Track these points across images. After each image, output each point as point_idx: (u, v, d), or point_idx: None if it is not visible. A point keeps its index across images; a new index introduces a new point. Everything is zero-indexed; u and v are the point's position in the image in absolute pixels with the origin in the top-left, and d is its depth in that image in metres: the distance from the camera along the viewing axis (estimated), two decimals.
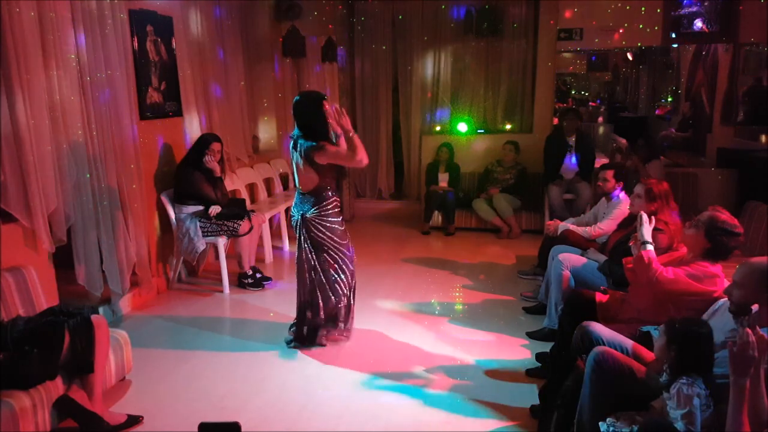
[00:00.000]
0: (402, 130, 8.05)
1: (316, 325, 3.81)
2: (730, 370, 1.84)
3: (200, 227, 4.75)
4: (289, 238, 6.25)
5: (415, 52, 7.64)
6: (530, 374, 3.44)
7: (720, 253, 2.72)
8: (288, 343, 3.87)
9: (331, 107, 3.52)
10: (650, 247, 2.88)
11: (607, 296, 3.18)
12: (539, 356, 3.60)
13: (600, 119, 10.69)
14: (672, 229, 3.28)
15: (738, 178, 6.09)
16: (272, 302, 4.72)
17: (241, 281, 5.02)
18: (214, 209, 4.78)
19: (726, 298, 2.40)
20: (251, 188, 6.36)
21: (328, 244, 3.68)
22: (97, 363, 2.83)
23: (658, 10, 6.51)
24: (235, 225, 4.82)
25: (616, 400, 2.35)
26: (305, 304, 3.79)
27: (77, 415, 2.79)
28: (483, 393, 3.26)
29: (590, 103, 12.25)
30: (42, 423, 2.65)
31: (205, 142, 4.81)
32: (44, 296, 3.29)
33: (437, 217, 6.83)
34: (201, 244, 4.76)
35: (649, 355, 2.52)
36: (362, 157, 3.43)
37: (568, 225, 4.61)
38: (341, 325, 3.88)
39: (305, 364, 3.65)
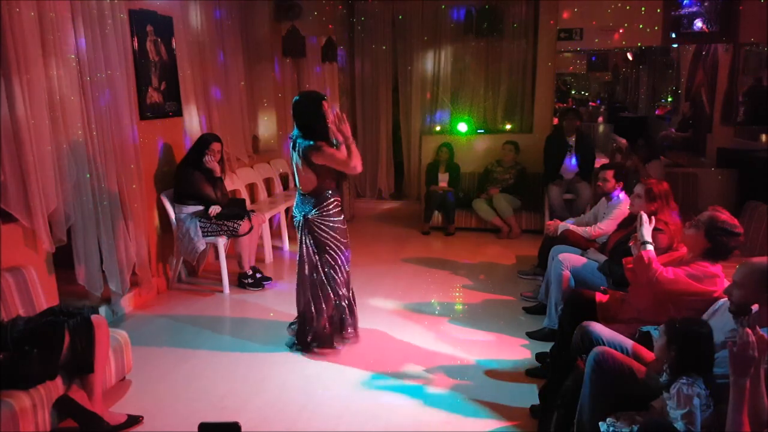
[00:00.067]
0: (402, 130, 8.06)
1: (320, 329, 3.79)
2: (730, 370, 1.84)
3: (200, 227, 4.75)
4: (289, 238, 6.25)
5: (415, 52, 7.64)
6: (530, 374, 3.44)
7: (720, 253, 2.72)
8: (290, 346, 3.85)
9: (332, 113, 3.54)
10: (650, 247, 2.88)
11: (607, 296, 3.18)
12: (539, 356, 3.60)
13: (600, 119, 10.70)
14: (672, 229, 3.28)
15: (738, 178, 6.09)
16: (272, 302, 4.72)
17: (241, 281, 5.03)
18: (214, 209, 4.78)
19: (726, 298, 2.40)
20: (251, 188, 6.36)
21: (330, 244, 3.69)
22: (97, 363, 2.83)
23: (658, 10, 6.51)
24: (235, 225, 4.82)
25: (616, 400, 2.35)
26: (307, 305, 3.77)
27: (77, 415, 2.79)
28: (483, 393, 3.26)
29: (590, 103, 12.26)
30: (42, 423, 2.65)
31: (205, 142, 4.81)
32: (44, 296, 3.29)
33: (437, 217, 6.83)
34: (201, 244, 4.76)
35: (649, 355, 2.52)
36: (356, 164, 3.49)
37: (568, 225, 4.61)
38: (349, 329, 3.88)
39: (305, 364, 3.65)
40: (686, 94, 8.60)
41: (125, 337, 3.30)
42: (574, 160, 6.35)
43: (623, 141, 7.71)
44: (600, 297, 3.18)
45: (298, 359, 3.71)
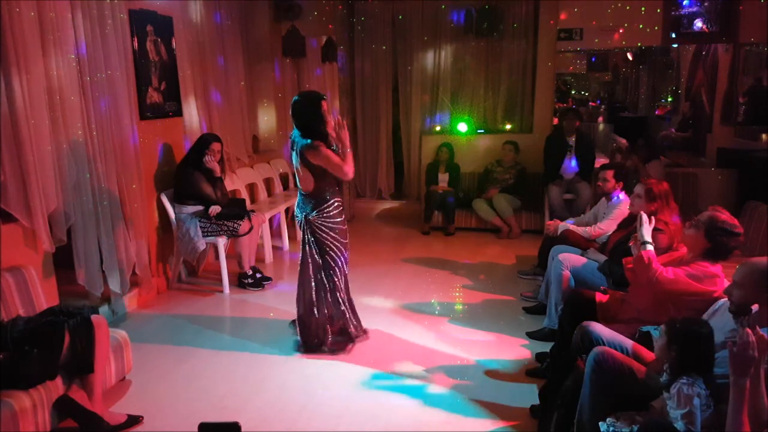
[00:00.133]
0: (402, 130, 8.06)
1: (321, 329, 3.79)
2: (730, 370, 1.84)
3: (200, 227, 4.75)
4: (289, 238, 6.25)
5: (415, 52, 7.64)
6: (530, 374, 3.44)
7: (720, 253, 2.72)
8: (298, 347, 3.83)
9: (332, 119, 3.58)
10: (650, 247, 2.88)
11: (607, 296, 3.18)
12: (539, 356, 3.60)
13: (600, 119, 10.71)
14: (672, 229, 3.28)
15: (738, 178, 6.09)
16: (272, 302, 4.72)
17: (241, 281, 5.03)
18: (214, 209, 4.78)
19: (726, 298, 2.40)
20: (251, 188, 6.36)
21: (331, 245, 3.69)
22: (97, 363, 2.83)
23: (658, 10, 6.51)
24: (235, 225, 4.83)
25: (616, 400, 2.35)
26: (308, 305, 3.77)
27: (77, 415, 2.79)
28: (483, 393, 3.26)
29: (590, 103, 12.27)
30: (42, 423, 2.65)
31: (205, 142, 4.81)
32: (44, 296, 3.29)
33: (437, 217, 6.83)
34: (201, 244, 4.76)
35: (649, 355, 2.52)
36: (349, 171, 3.53)
37: (568, 225, 4.61)
38: (353, 329, 3.87)
39: (305, 364, 3.65)
40: (686, 94, 8.60)
41: (125, 337, 3.30)
42: (574, 162, 6.35)
43: (623, 141, 7.72)
44: (600, 297, 3.18)
45: (298, 359, 3.71)
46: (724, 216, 2.70)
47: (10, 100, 3.23)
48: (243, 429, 2.04)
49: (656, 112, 10.23)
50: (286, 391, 3.33)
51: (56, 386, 2.75)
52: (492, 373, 3.50)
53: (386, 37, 7.72)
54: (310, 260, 3.72)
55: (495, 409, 3.10)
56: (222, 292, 4.91)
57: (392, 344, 3.90)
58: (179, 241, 4.80)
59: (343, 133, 3.55)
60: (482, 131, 7.51)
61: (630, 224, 3.67)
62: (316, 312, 3.76)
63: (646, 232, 2.92)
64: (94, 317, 2.89)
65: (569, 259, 3.99)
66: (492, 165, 6.89)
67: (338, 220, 3.69)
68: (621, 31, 6.64)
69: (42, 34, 3.44)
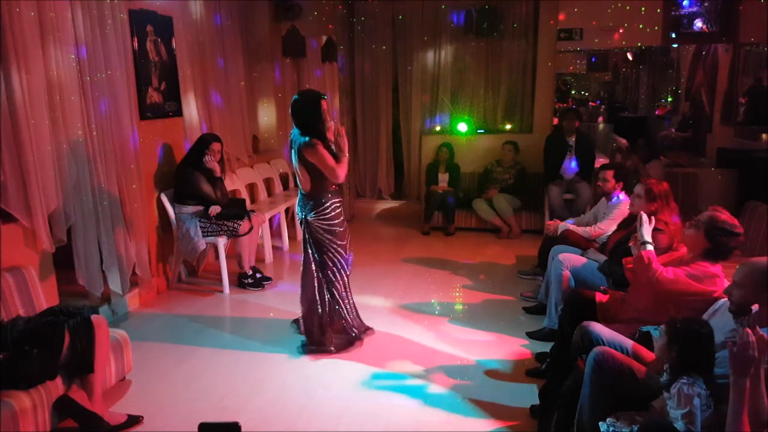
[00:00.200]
0: (402, 130, 8.05)
1: (322, 329, 3.79)
2: (730, 370, 1.84)
3: (200, 227, 4.75)
4: (289, 238, 6.25)
5: (415, 52, 7.64)
6: (530, 374, 3.44)
7: (720, 253, 2.72)
8: (303, 347, 3.83)
9: (332, 126, 3.63)
10: (650, 247, 2.88)
11: (607, 296, 3.18)
12: (539, 356, 3.61)
13: (600, 119, 10.71)
14: (672, 229, 3.28)
15: (738, 178, 6.09)
16: (272, 302, 4.72)
17: (241, 281, 5.03)
18: (214, 209, 4.78)
19: (726, 298, 2.40)
20: (251, 188, 6.36)
21: (330, 246, 3.70)
22: (97, 363, 2.83)
23: (658, 10, 6.50)
24: (235, 225, 4.83)
25: (616, 400, 2.35)
26: (311, 304, 3.78)
27: (77, 415, 2.79)
28: (483, 393, 3.26)
29: (590, 103, 12.27)
30: (42, 423, 2.65)
31: (205, 142, 4.81)
32: (44, 296, 3.30)
33: (437, 217, 6.83)
34: (201, 244, 4.76)
35: (649, 355, 2.52)
36: (340, 174, 3.57)
37: (568, 225, 4.61)
38: (355, 331, 3.88)
39: (305, 364, 3.65)
40: (686, 94, 8.60)
41: (125, 337, 3.30)
42: (573, 164, 6.35)
43: (623, 141, 7.72)
44: (600, 297, 3.18)
45: (298, 359, 3.71)
46: (724, 216, 2.70)
47: (11, 99, 3.24)
48: (243, 429, 2.04)
49: (656, 112, 10.22)
50: (286, 391, 3.33)
51: (56, 386, 2.75)
52: (492, 373, 3.50)
53: (386, 37, 7.71)
54: (311, 260, 3.74)
55: (495, 409, 3.10)
56: (222, 292, 4.91)
57: (392, 344, 3.90)
58: (179, 241, 4.80)
59: (342, 140, 3.61)
60: (482, 131, 7.51)
61: (630, 224, 3.67)
62: (318, 311, 3.77)
63: (646, 232, 2.92)
64: (94, 317, 2.89)
65: (569, 259, 3.99)
66: (492, 165, 6.89)
67: (336, 221, 3.68)
68: (621, 31, 6.63)
69: (42, 34, 3.44)
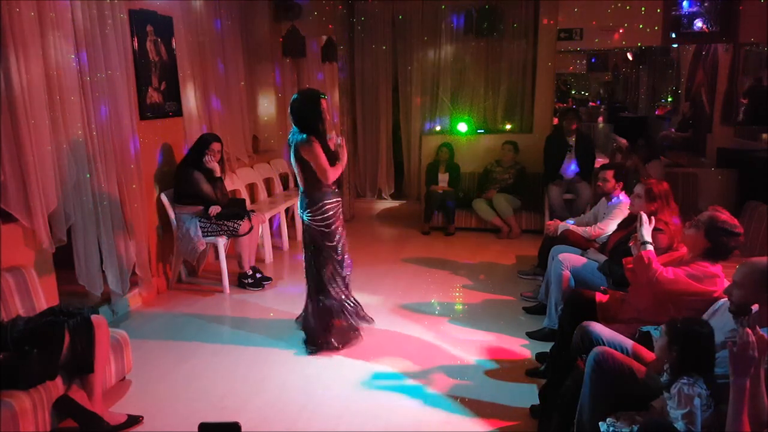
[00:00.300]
0: (402, 130, 8.06)
1: (320, 328, 3.81)
2: (730, 370, 1.84)
3: (200, 227, 4.75)
4: (289, 238, 6.25)
5: (415, 52, 7.64)
6: (530, 374, 3.44)
7: (720, 253, 2.72)
8: (306, 347, 3.84)
9: (334, 138, 3.69)
10: (650, 247, 2.88)
11: (607, 296, 3.18)
12: (539, 356, 3.60)
13: (600, 119, 10.71)
14: (672, 229, 3.28)
15: (738, 178, 6.09)
16: (272, 302, 4.72)
17: (241, 281, 5.03)
18: (214, 209, 4.78)
19: (726, 298, 2.40)
20: (251, 188, 6.36)
21: (325, 247, 3.72)
22: (97, 363, 2.83)
23: (658, 10, 6.50)
24: (235, 225, 4.82)
25: (616, 400, 2.35)
26: (311, 303, 3.81)
27: (77, 415, 2.79)
28: (483, 393, 3.26)
29: (590, 103, 12.27)
30: (42, 423, 2.65)
31: (205, 142, 4.81)
32: (44, 296, 3.30)
33: (437, 217, 6.83)
34: (201, 244, 4.76)
35: (649, 355, 2.52)
36: (331, 176, 3.60)
37: (568, 225, 4.61)
38: (352, 329, 3.89)
39: (305, 364, 3.65)
40: (686, 94, 8.60)
41: (125, 337, 3.30)
42: (573, 166, 6.34)
43: (623, 141, 7.71)
44: (600, 297, 3.18)
45: (298, 359, 3.71)
46: (724, 216, 2.70)
47: (10, 99, 3.23)
48: (243, 429, 2.04)
49: (656, 112, 10.22)
50: (286, 391, 3.33)
51: (56, 386, 2.75)
52: (492, 373, 3.50)
53: (386, 37, 7.72)
54: (311, 258, 3.76)
55: (495, 409, 3.10)
56: (222, 292, 4.91)
57: (392, 344, 3.90)
58: (179, 241, 4.80)
59: (342, 151, 3.68)
60: (482, 131, 7.51)
61: (630, 224, 3.67)
62: (317, 310, 3.78)
63: (646, 232, 2.92)
64: (94, 317, 2.89)
65: (569, 259, 3.99)
66: (491, 165, 6.89)
67: (328, 221, 3.68)
68: (621, 31, 6.63)
69: (42, 34, 3.44)
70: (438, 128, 7.72)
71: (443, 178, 6.92)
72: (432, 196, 6.76)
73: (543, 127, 7.10)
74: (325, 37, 7.49)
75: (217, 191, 4.83)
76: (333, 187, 3.71)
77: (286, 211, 6.44)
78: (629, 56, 10.70)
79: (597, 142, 8.56)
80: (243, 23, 6.21)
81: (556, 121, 7.22)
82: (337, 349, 3.77)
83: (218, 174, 4.84)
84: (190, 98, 5.19)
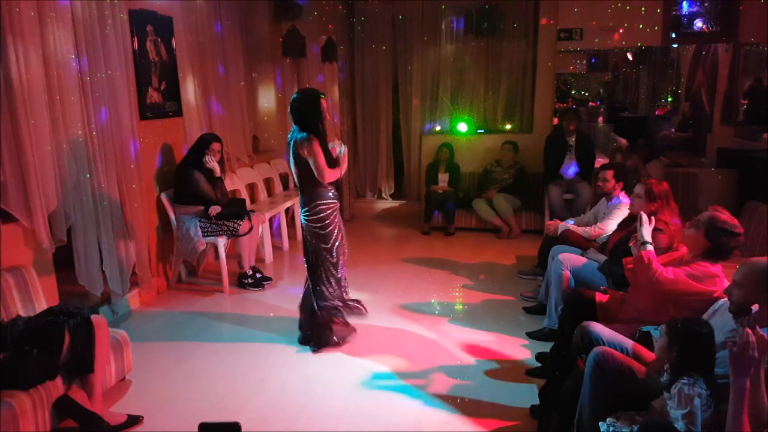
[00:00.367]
0: (402, 130, 8.06)
1: (325, 325, 3.83)
2: (730, 370, 1.84)
3: (200, 227, 4.75)
4: (289, 238, 6.25)
5: (415, 52, 7.64)
6: (530, 374, 3.44)
7: (720, 253, 2.72)
8: (305, 343, 3.87)
9: (338, 146, 3.72)
10: (650, 247, 2.88)
11: (607, 296, 3.18)
12: (539, 356, 3.60)
13: (600, 119, 10.70)
14: (672, 229, 3.28)
15: (738, 178, 6.09)
16: (272, 302, 4.72)
17: (241, 281, 5.03)
18: (214, 209, 4.78)
19: (726, 298, 2.40)
20: (251, 188, 6.35)
21: (317, 246, 3.74)
22: (97, 363, 2.83)
23: (658, 10, 6.51)
24: (235, 225, 4.82)
25: (616, 400, 2.35)
26: (309, 300, 3.83)
27: (77, 415, 2.79)
28: (483, 393, 3.26)
29: (590, 103, 12.26)
30: (42, 423, 2.65)
31: (205, 142, 4.81)
32: (44, 296, 3.30)
33: (437, 217, 6.83)
34: (201, 244, 4.76)
35: (649, 355, 2.52)
36: (327, 177, 3.61)
37: (568, 225, 4.61)
38: (347, 330, 3.91)
39: (305, 364, 3.65)
40: (686, 94, 8.60)
41: (125, 337, 3.30)
42: (572, 169, 6.34)
43: (623, 141, 7.71)
44: (600, 297, 3.18)
45: (298, 359, 3.71)
46: (724, 216, 2.70)
47: (10, 99, 3.23)
48: (243, 429, 2.04)
49: (656, 112, 10.22)
50: (286, 391, 3.33)
51: (56, 386, 2.75)
52: (492, 373, 3.50)
53: (386, 37, 7.72)
54: (307, 259, 3.79)
55: (495, 409, 3.10)
56: (222, 292, 4.91)
57: (392, 344, 3.90)
58: (179, 241, 4.80)
59: (343, 159, 3.71)
60: (482, 131, 7.51)
61: (630, 224, 3.67)
62: (315, 308, 3.81)
63: (646, 232, 2.93)
64: (94, 317, 2.88)
65: (569, 259, 3.99)
66: (491, 165, 6.89)
67: (322, 224, 3.68)
68: (621, 31, 6.63)
69: (42, 34, 3.44)
70: (438, 128, 7.72)
71: (443, 178, 6.92)
72: (432, 196, 6.76)
73: (543, 127, 7.10)
74: (325, 37, 7.49)
75: (217, 191, 4.83)
76: (330, 188, 3.71)
77: (286, 211, 6.44)
78: (629, 56, 10.69)
79: (597, 142, 8.56)
80: (243, 23, 6.21)
81: (556, 121, 7.22)
82: (337, 344, 3.80)
83: (218, 174, 4.84)
84: (190, 98, 5.19)
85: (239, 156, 6.14)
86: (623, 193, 4.42)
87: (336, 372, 3.54)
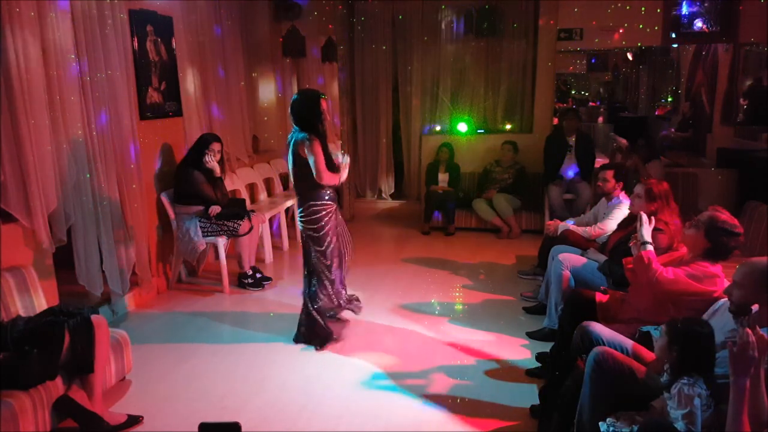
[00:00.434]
0: (402, 130, 8.06)
1: (312, 325, 3.85)
2: (730, 371, 1.84)
3: (200, 227, 4.75)
4: (289, 238, 6.25)
5: (415, 52, 7.64)
6: (530, 374, 3.44)
7: (720, 253, 2.72)
8: (297, 341, 3.90)
9: (341, 157, 3.74)
10: (650, 247, 2.88)
11: (607, 296, 3.18)
12: (539, 356, 3.60)
13: (600, 119, 10.70)
14: (672, 229, 3.28)
15: (738, 178, 6.09)
16: (272, 302, 4.72)
17: (241, 281, 5.03)
18: (214, 209, 4.78)
19: (726, 298, 2.40)
20: (251, 188, 6.36)
21: (312, 249, 3.75)
22: (97, 363, 2.83)
23: (658, 10, 6.50)
24: (235, 225, 4.82)
25: (616, 400, 2.35)
26: (307, 300, 3.85)
27: (77, 415, 2.79)
28: (483, 393, 3.26)
29: (590, 103, 12.26)
30: (42, 423, 2.65)
31: (205, 142, 4.81)
32: (44, 296, 3.30)
33: (437, 218, 6.83)
34: (201, 244, 4.76)
35: (649, 355, 2.52)
36: (325, 178, 3.58)
37: (568, 225, 4.61)
38: (341, 326, 3.95)
39: (305, 364, 3.65)
40: (686, 94, 8.60)
41: (125, 337, 3.30)
42: (571, 172, 6.34)
43: (623, 141, 7.71)
44: (600, 297, 3.18)
45: (298, 359, 3.71)
46: (724, 216, 2.70)
47: (11, 99, 3.23)
48: (243, 429, 2.04)
49: (656, 112, 10.22)
50: (286, 391, 3.33)
51: (56, 386, 2.75)
52: (492, 373, 3.50)
53: (386, 37, 7.72)
54: (306, 259, 3.80)
55: (495, 409, 3.10)
56: (222, 292, 4.91)
57: (392, 344, 3.90)
58: (179, 241, 4.80)
59: (344, 168, 3.73)
60: (482, 131, 7.51)
61: (630, 224, 3.67)
62: (310, 308, 3.82)
63: (646, 232, 2.93)
64: (94, 317, 2.88)
65: (569, 259, 3.99)
66: (491, 165, 6.89)
67: (316, 225, 3.69)
68: (621, 31, 6.63)
69: (42, 34, 3.44)
70: (438, 128, 7.72)
71: (443, 178, 6.92)
72: (432, 196, 6.76)
73: (543, 127, 7.10)
74: (325, 37, 7.49)
75: (217, 191, 4.83)
76: (327, 190, 3.70)
77: (286, 211, 6.44)
78: (629, 56, 10.69)
79: (597, 142, 8.56)
80: (243, 23, 6.21)
81: (556, 121, 7.22)
82: (336, 341, 3.85)
83: (218, 174, 4.84)
84: (190, 98, 5.19)
85: (239, 156, 6.14)
86: (623, 193, 4.42)
87: (336, 372, 3.54)
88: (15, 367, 2.60)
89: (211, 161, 4.76)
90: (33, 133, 3.34)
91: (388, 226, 7.31)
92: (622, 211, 4.22)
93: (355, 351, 3.79)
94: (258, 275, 5.05)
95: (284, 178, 7.07)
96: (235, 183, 5.84)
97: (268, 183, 6.72)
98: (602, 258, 3.92)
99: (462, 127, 7.43)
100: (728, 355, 1.84)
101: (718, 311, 2.52)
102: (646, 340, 2.64)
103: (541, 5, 6.89)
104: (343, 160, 3.75)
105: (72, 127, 3.71)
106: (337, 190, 3.85)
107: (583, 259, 4.00)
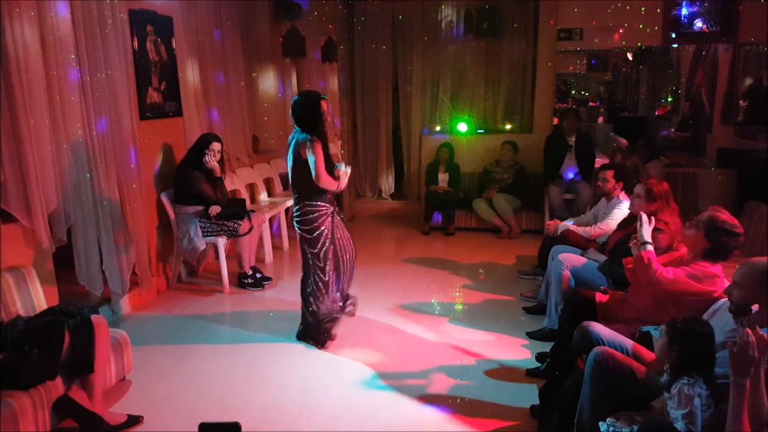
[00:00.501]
0: (402, 130, 8.06)
1: (310, 325, 3.85)
2: (730, 371, 1.84)
3: (200, 227, 4.75)
4: (289, 238, 6.25)
5: (415, 52, 7.64)
6: (530, 374, 3.44)
7: (720, 253, 2.72)
8: (299, 338, 3.91)
9: (343, 168, 3.72)
10: (650, 248, 2.88)
11: (607, 296, 3.18)
12: (539, 356, 3.61)
13: (600, 119, 10.70)
14: (672, 229, 3.28)
15: (738, 178, 6.09)
16: (272, 302, 4.72)
17: (241, 281, 5.03)
18: (214, 209, 4.78)
19: (726, 298, 2.40)
20: (251, 188, 6.35)
21: (307, 250, 3.75)
22: (97, 363, 2.83)
23: (658, 10, 6.50)
24: (235, 225, 4.82)
25: (616, 400, 2.35)
26: (306, 301, 3.85)
27: (77, 415, 2.79)
28: (483, 393, 3.26)
29: (590, 103, 12.26)
30: (42, 423, 2.65)
31: (205, 141, 4.81)
32: (44, 296, 3.30)
33: (437, 218, 6.83)
34: (201, 244, 4.76)
35: (649, 355, 2.52)
36: (324, 180, 3.57)
37: (568, 225, 4.61)
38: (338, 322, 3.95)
39: (305, 364, 3.65)
40: (686, 94, 8.59)
41: (125, 337, 3.30)
42: (571, 175, 6.34)
43: (623, 141, 7.71)
44: (600, 297, 3.18)
45: (298, 359, 3.71)
46: (724, 216, 2.70)
47: (10, 100, 3.23)
48: (243, 429, 2.04)
49: (656, 112, 10.22)
50: (286, 391, 3.33)
51: (56, 386, 2.75)
52: (492, 373, 3.50)
53: (386, 37, 7.72)
54: (303, 259, 3.81)
55: (495, 409, 3.10)
56: (222, 292, 4.91)
57: (392, 344, 3.90)
58: (179, 241, 4.80)
59: (343, 177, 3.70)
60: (482, 131, 7.51)
61: (630, 224, 3.67)
62: (311, 307, 3.83)
63: (646, 232, 2.93)
64: (94, 317, 2.89)
65: (569, 259, 3.99)
66: (491, 165, 6.89)
67: (310, 227, 3.68)
68: (621, 31, 6.63)
69: (42, 34, 3.44)
70: (438, 128, 7.72)
71: (443, 178, 6.92)
72: (432, 196, 6.76)
73: (543, 127, 7.10)
74: (325, 37, 7.49)
75: (217, 191, 4.83)
76: (323, 192, 3.68)
77: (286, 211, 6.44)
78: (629, 56, 10.69)
79: (597, 142, 8.56)
80: (243, 23, 6.20)
81: (556, 121, 7.22)
82: (325, 341, 3.85)
83: (218, 174, 4.84)
84: (190, 98, 5.19)
85: (239, 156, 6.14)
86: (623, 193, 4.42)
87: (336, 372, 3.54)
88: (15, 367, 2.60)
89: (211, 161, 4.76)
90: (33, 133, 3.35)
91: (388, 226, 7.31)
92: (622, 211, 4.22)
93: (355, 351, 3.79)
94: (258, 275, 5.05)
95: (284, 178, 7.07)
96: (235, 183, 5.84)
97: (268, 183, 6.72)
98: (602, 258, 3.92)
99: (462, 127, 7.43)
100: (728, 355, 1.84)
101: (718, 311, 2.52)
102: (646, 340, 2.64)
103: (541, 5, 6.89)
104: (345, 170, 3.73)
105: (72, 127, 3.71)
106: (336, 193, 3.84)
107: (583, 259, 4.00)
